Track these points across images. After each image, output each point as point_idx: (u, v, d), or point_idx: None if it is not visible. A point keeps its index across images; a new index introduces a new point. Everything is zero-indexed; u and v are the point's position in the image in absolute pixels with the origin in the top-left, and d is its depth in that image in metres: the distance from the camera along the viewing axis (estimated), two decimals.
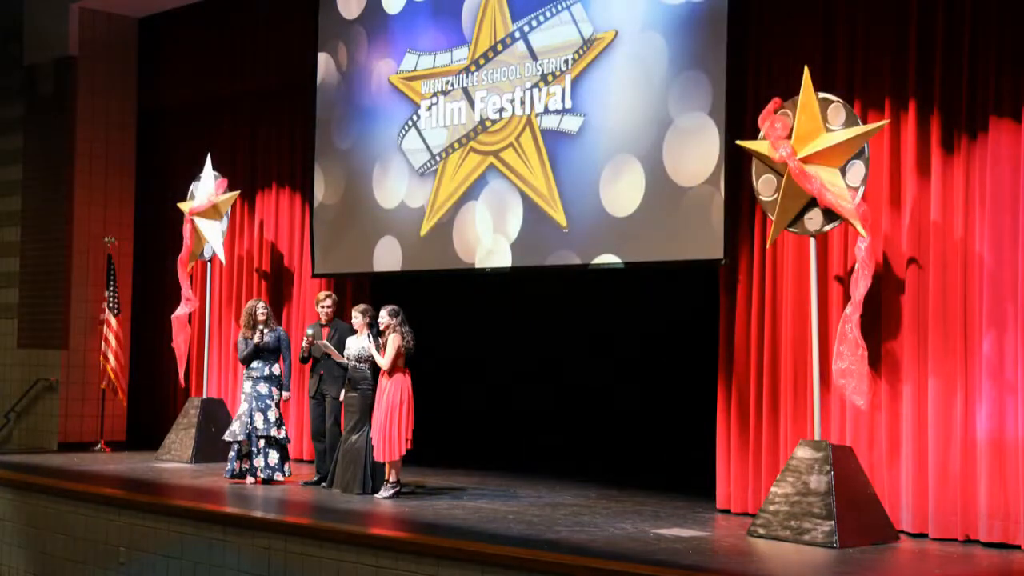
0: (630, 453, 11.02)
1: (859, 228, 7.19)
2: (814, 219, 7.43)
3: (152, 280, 12.95)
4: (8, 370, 13.12)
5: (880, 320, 7.57)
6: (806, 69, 7.38)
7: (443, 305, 11.48)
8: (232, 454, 9.66)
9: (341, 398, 9.32)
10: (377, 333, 8.93)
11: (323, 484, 9.34)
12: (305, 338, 9.44)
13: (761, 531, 7.23)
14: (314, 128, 11.09)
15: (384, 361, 8.70)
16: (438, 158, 10.05)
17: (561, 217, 9.15)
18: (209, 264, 11.77)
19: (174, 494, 9.03)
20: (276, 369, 9.72)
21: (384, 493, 8.70)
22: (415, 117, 10.25)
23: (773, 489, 7.31)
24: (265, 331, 9.66)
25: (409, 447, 8.70)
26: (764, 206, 7.69)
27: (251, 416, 9.51)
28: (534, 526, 7.47)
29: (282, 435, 9.62)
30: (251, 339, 9.63)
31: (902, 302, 7.50)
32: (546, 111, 9.29)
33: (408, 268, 10.27)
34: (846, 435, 7.67)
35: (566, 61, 9.17)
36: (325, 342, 9.29)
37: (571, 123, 9.12)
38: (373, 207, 10.51)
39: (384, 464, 8.76)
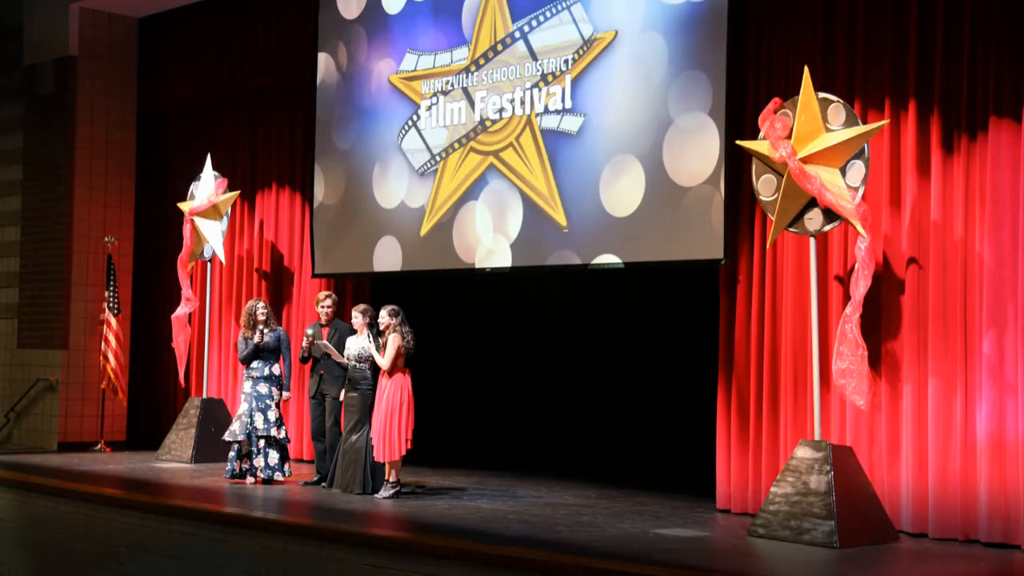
0: (630, 453, 11.02)
1: (859, 228, 7.19)
2: (814, 219, 7.42)
3: (152, 280, 12.95)
4: (8, 370, 13.12)
5: (880, 320, 7.57)
6: (806, 69, 7.38)
7: (443, 305, 11.48)
8: (232, 454, 9.65)
9: (341, 398, 9.32)
10: (377, 333, 8.93)
11: (323, 484, 9.34)
12: (305, 338, 9.44)
13: (761, 531, 7.23)
14: (314, 128, 11.08)
15: (384, 361, 8.70)
16: (438, 158, 10.04)
17: (561, 217, 9.15)
18: (209, 264, 11.76)
19: (174, 494, 9.02)
20: (276, 369, 9.72)
21: (384, 493, 8.70)
22: (415, 117, 10.25)
23: (773, 489, 7.30)
24: (265, 331, 9.66)
25: (409, 447, 8.70)
26: (764, 206, 7.69)
27: (251, 416, 9.51)
28: (534, 526, 7.47)
29: (282, 435, 9.62)
30: (251, 339, 9.63)
31: (902, 302, 7.50)
32: (546, 111, 9.28)
33: (408, 268, 10.27)
34: (846, 435, 7.66)
35: (566, 61, 9.17)
36: (325, 342, 9.29)
37: (571, 123, 9.11)
38: (373, 207, 10.51)
39: (384, 464, 8.76)
